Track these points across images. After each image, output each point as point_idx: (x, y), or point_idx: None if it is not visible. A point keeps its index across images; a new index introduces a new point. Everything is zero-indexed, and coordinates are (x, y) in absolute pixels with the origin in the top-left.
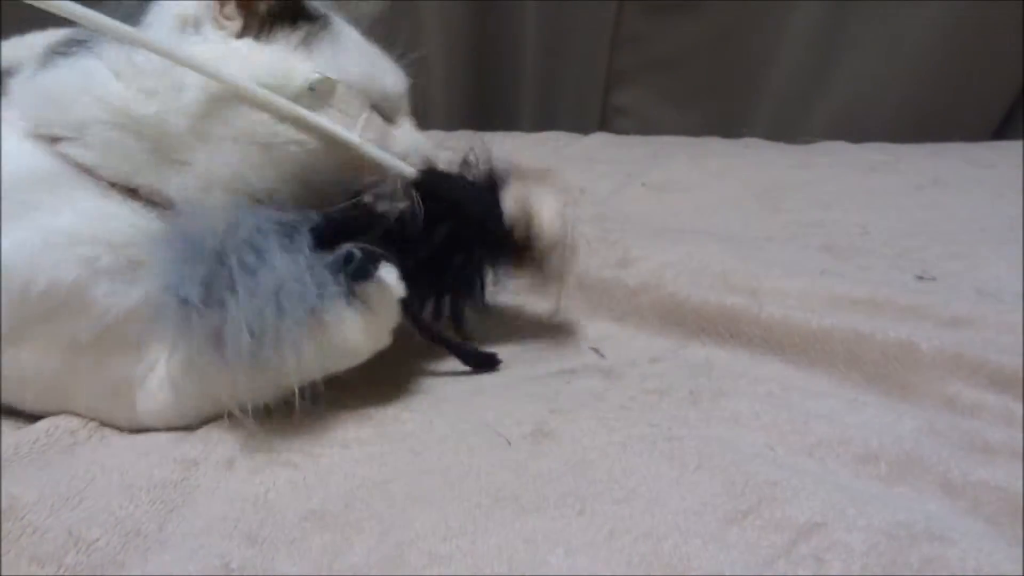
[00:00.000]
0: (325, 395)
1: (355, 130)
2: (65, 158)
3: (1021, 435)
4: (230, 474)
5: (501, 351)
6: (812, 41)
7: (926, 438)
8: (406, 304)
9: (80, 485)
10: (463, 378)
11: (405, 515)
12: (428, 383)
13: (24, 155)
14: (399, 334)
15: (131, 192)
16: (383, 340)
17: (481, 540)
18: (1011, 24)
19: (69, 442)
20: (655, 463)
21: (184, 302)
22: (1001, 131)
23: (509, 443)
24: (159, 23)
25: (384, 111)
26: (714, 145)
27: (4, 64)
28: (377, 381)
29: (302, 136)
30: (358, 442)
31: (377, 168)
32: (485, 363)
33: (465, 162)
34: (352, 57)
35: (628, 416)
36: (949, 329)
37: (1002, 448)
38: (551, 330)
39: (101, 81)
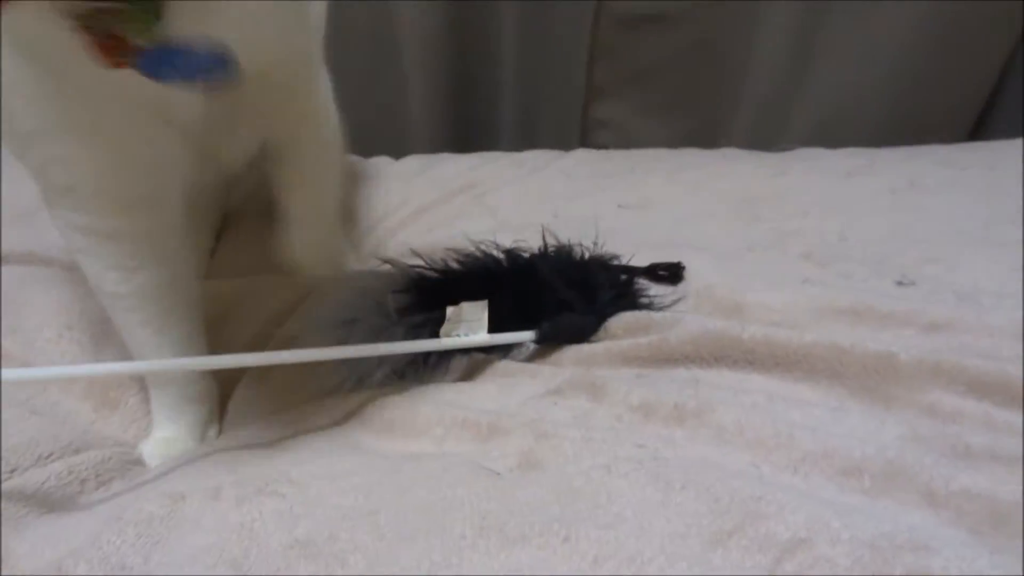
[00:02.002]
0: (314, 426)
1: None
2: None
3: (1001, 439)
4: (216, 503)
5: (492, 374)
6: (786, 49)
7: (909, 446)
8: None
9: (71, 524)
10: None
11: (390, 549)
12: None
13: None
14: None
15: None
16: None
17: (466, 572)
18: (982, 27)
19: (76, 491)
20: (640, 485)
21: None
22: (976, 132)
23: (498, 474)
24: None
25: None
26: (692, 157)
27: None
28: (366, 413)
29: None
30: (345, 473)
31: None
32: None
33: None
34: None
35: (615, 437)
36: (929, 336)
37: (983, 453)
38: (534, 356)
39: None
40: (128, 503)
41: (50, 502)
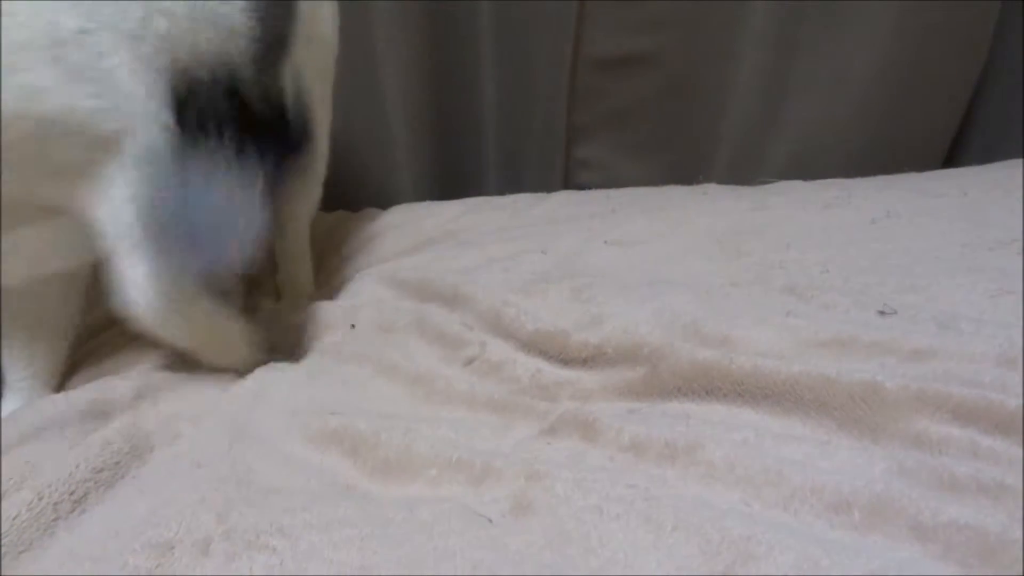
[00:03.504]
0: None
1: None
2: None
3: (986, 468)
4: (206, 560)
5: (487, 407)
6: (760, 86)
7: (896, 480)
8: None
9: None
10: None
11: None
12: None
13: None
14: None
15: None
16: None
17: None
18: (949, 57)
19: (51, 517)
20: (632, 527)
21: None
22: (950, 159)
23: (490, 521)
24: None
25: None
26: (674, 194)
27: None
28: (360, 449)
29: None
30: (338, 523)
31: None
32: None
33: None
34: None
35: (606, 478)
36: (912, 364)
37: (969, 483)
38: (531, 389)
39: None
40: (113, 554)
41: (26, 539)
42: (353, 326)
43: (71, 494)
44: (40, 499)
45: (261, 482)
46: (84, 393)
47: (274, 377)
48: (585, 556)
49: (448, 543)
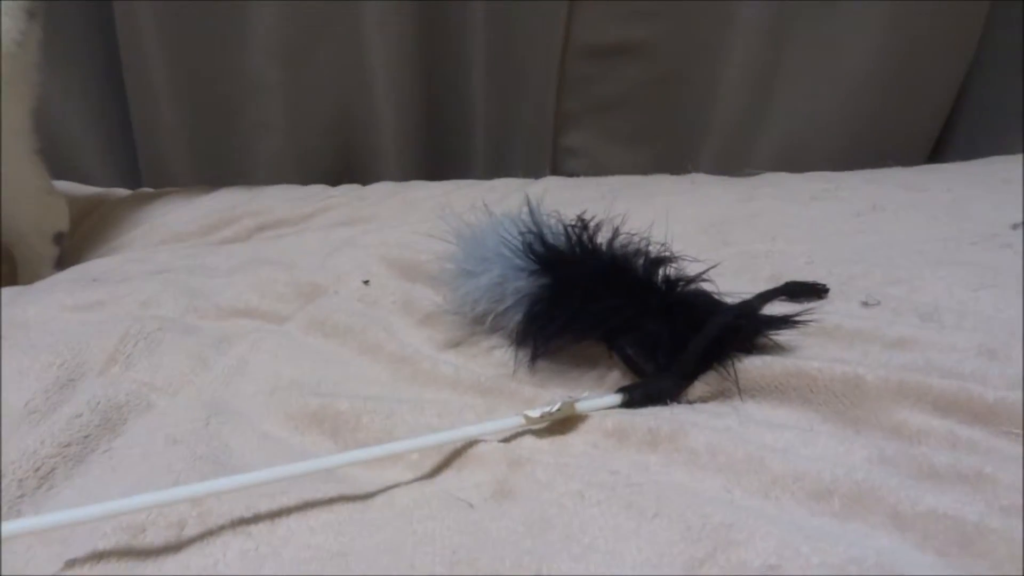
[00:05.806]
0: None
1: None
2: None
3: (964, 458)
4: (179, 544)
5: (471, 393)
6: (750, 78)
7: (876, 468)
8: None
9: (19, 565)
10: None
11: None
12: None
13: None
14: None
15: None
16: None
17: None
18: (936, 55)
19: (16, 495)
20: (613, 513)
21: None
22: (935, 154)
23: (471, 506)
24: None
25: None
26: (662, 183)
27: None
28: (340, 432)
29: None
30: (317, 508)
31: None
32: None
33: None
34: None
35: (588, 464)
36: (894, 352)
37: (947, 473)
38: (517, 374)
39: None
40: (82, 535)
41: None
42: (337, 292)
43: (36, 470)
44: (3, 477)
45: (238, 463)
46: (52, 357)
47: (253, 350)
48: (566, 542)
49: (428, 528)
